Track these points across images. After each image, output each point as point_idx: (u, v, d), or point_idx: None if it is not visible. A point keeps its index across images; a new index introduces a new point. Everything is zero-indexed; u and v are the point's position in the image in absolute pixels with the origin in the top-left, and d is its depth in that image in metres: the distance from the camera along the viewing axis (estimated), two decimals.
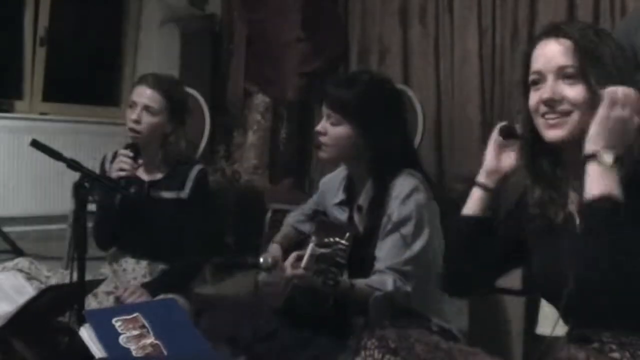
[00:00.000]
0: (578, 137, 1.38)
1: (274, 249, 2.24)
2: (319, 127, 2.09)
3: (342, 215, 2.16)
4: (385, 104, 2.08)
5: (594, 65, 1.39)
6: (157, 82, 2.51)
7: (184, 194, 2.53)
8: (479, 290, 1.85)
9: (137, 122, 2.47)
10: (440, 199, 2.11)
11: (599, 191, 1.31)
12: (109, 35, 5.30)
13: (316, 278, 1.83)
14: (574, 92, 1.41)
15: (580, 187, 1.38)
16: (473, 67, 4.08)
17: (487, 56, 4.05)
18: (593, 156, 1.33)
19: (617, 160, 1.33)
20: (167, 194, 2.54)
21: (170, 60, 5.09)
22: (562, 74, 1.42)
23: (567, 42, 1.42)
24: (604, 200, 1.31)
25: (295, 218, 2.37)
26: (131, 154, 2.43)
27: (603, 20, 3.62)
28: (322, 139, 2.08)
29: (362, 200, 2.11)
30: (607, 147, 1.33)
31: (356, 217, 2.13)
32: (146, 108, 2.48)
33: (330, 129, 2.06)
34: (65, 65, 5.05)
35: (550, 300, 1.58)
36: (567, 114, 1.41)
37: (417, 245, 1.98)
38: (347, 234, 1.95)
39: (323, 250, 1.84)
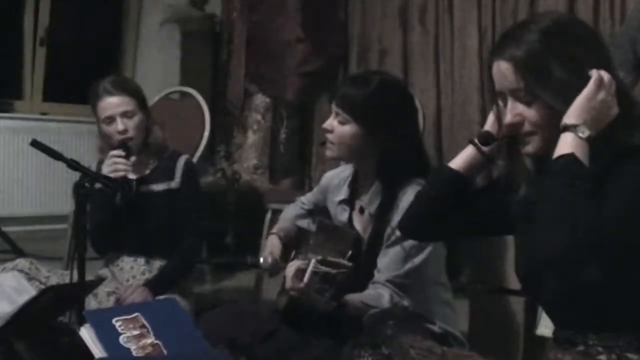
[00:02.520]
0: (554, 143, 1.36)
1: (273, 241, 2.22)
2: (326, 124, 2.06)
3: (342, 214, 2.15)
4: (396, 108, 2.04)
5: (543, 84, 1.35)
6: (116, 85, 2.51)
7: (175, 184, 2.55)
8: (430, 239, 1.86)
9: (125, 131, 2.47)
10: None
11: (565, 151, 1.31)
12: (109, 35, 5.30)
13: (319, 297, 1.83)
14: (532, 113, 1.38)
15: None
16: (473, 67, 4.08)
17: (487, 56, 4.05)
18: (571, 127, 1.33)
19: (590, 139, 1.32)
20: (157, 187, 2.55)
21: (170, 60, 5.09)
22: (516, 95, 1.39)
23: (508, 65, 1.38)
24: (568, 156, 1.30)
25: (294, 212, 2.34)
26: (123, 153, 2.43)
27: (603, 20, 3.62)
28: (329, 136, 2.06)
29: (365, 202, 2.09)
30: (585, 125, 1.32)
31: (356, 218, 2.13)
32: (124, 114, 2.48)
33: (337, 127, 2.04)
34: (65, 65, 5.06)
35: (535, 297, 1.58)
36: (531, 134, 1.40)
37: (419, 258, 1.96)
38: (349, 252, 1.93)
39: (325, 269, 1.83)
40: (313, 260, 1.82)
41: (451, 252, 2.15)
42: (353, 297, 1.93)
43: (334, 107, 2.06)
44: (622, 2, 3.56)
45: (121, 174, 2.40)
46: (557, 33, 1.39)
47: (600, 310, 1.35)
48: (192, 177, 2.61)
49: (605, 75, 1.35)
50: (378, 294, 1.94)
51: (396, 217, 1.97)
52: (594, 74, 1.35)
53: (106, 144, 2.54)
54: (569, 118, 1.34)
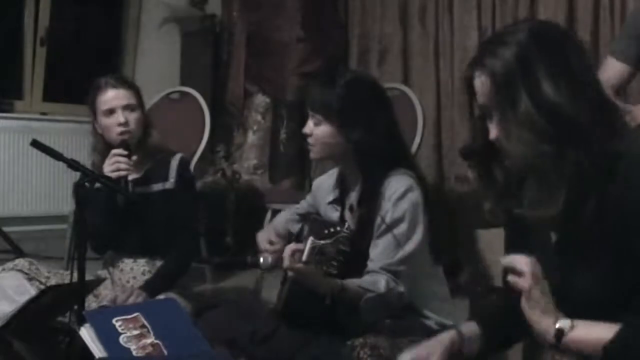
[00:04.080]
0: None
1: (263, 233, 2.23)
2: (304, 129, 2.13)
3: (334, 214, 2.17)
4: (367, 103, 2.08)
5: (511, 113, 1.31)
6: (120, 80, 2.55)
7: (170, 184, 2.55)
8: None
9: (126, 123, 2.47)
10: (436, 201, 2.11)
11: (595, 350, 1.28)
12: (109, 35, 5.30)
13: (319, 268, 1.83)
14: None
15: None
16: None
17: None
18: (560, 332, 1.29)
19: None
20: (153, 187, 2.55)
21: (170, 60, 5.10)
22: (495, 111, 1.36)
23: (487, 80, 1.36)
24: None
25: (286, 216, 2.37)
26: (125, 152, 2.43)
27: (603, 20, 3.62)
28: (309, 139, 2.12)
29: (354, 199, 2.11)
30: (559, 318, 1.30)
31: (348, 216, 2.14)
32: (126, 107, 2.49)
33: (314, 130, 2.09)
34: (65, 65, 5.06)
35: None
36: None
37: (411, 245, 1.99)
38: (347, 224, 1.96)
39: (324, 242, 1.84)
40: (310, 238, 1.83)
41: (451, 252, 2.16)
42: (350, 282, 1.93)
43: (308, 111, 2.12)
44: (622, 2, 3.55)
45: (123, 173, 2.39)
46: (535, 47, 1.33)
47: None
48: (186, 176, 2.61)
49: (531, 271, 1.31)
50: (374, 279, 1.96)
51: (384, 207, 2.00)
52: (527, 274, 1.31)
53: (101, 143, 2.53)
54: (544, 330, 1.31)
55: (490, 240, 2.50)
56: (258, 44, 4.81)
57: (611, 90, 2.38)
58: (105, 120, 2.49)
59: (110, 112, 2.48)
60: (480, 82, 1.38)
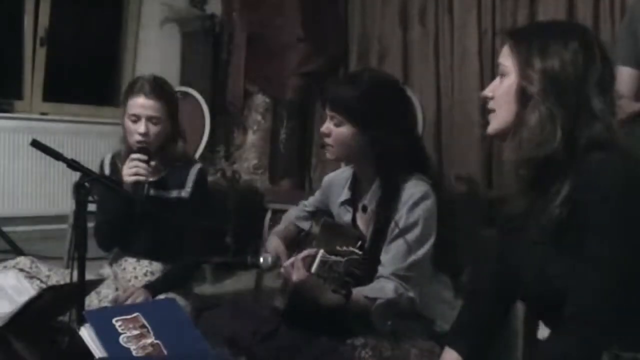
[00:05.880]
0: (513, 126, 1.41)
1: (275, 241, 2.22)
2: (323, 129, 2.08)
3: (345, 215, 2.15)
4: (388, 103, 2.05)
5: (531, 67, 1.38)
6: (154, 89, 2.49)
7: (185, 192, 2.55)
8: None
9: (146, 134, 2.47)
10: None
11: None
12: (109, 35, 5.30)
13: (328, 285, 1.82)
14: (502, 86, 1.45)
15: None
16: (473, 67, 4.08)
17: (487, 56, 4.05)
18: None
19: None
20: (168, 194, 2.55)
21: (170, 60, 5.10)
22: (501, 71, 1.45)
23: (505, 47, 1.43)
24: None
25: (296, 214, 2.35)
26: (145, 158, 2.43)
27: (603, 20, 3.62)
28: (327, 140, 2.07)
29: (368, 200, 2.09)
30: None
31: (360, 218, 2.13)
32: (150, 119, 2.47)
33: (334, 130, 2.05)
34: (65, 65, 5.06)
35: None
36: (490, 111, 1.46)
37: (421, 252, 1.97)
38: (359, 242, 1.93)
39: (335, 258, 1.82)
40: (321, 250, 1.81)
41: (451, 252, 2.15)
42: (356, 293, 1.92)
43: (327, 111, 2.07)
44: (622, 2, 3.55)
45: (142, 178, 2.41)
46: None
47: None
48: (202, 187, 2.60)
49: None
50: (381, 286, 1.94)
51: (398, 213, 1.98)
52: None
53: (125, 141, 2.54)
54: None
55: (491, 239, 2.50)
56: (258, 44, 4.81)
57: (627, 100, 2.33)
58: (129, 124, 2.49)
59: (136, 117, 2.47)
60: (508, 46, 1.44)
